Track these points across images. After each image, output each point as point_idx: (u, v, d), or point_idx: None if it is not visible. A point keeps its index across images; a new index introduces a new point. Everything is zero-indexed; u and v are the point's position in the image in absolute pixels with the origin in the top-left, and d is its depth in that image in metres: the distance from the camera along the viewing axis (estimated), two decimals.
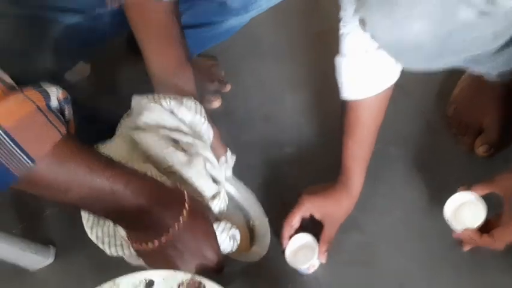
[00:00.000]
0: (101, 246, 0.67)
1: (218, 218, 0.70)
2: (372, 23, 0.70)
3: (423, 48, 0.69)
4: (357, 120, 0.87)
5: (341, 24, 0.83)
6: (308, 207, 0.91)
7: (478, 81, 0.96)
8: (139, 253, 0.65)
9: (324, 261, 0.91)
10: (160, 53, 0.83)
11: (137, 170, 0.63)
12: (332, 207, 0.91)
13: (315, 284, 0.92)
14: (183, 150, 0.70)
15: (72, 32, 0.88)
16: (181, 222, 0.61)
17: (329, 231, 0.91)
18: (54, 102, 0.56)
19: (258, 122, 1.11)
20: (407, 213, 0.95)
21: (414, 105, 1.07)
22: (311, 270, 0.92)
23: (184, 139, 0.71)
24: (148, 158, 0.69)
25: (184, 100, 0.76)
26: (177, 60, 0.84)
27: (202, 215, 0.66)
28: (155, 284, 0.53)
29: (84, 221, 0.69)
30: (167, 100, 0.74)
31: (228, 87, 1.17)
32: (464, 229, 0.79)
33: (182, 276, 0.53)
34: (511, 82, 0.94)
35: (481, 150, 0.97)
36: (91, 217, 0.68)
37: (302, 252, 0.89)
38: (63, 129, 0.54)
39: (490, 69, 0.89)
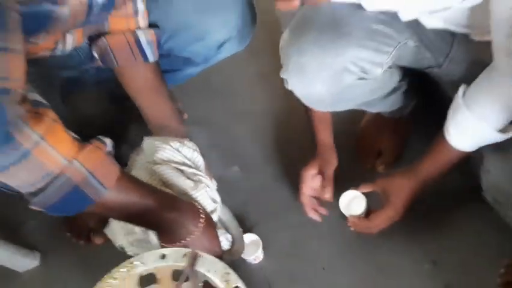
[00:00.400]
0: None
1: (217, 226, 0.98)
2: (291, 83, 1.02)
3: (324, 100, 1.03)
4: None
5: None
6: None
7: (376, 117, 1.31)
8: None
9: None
10: (153, 106, 1.09)
11: (167, 192, 0.91)
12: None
13: (260, 272, 1.20)
14: (188, 178, 0.98)
15: (69, 80, 1.14)
16: (201, 227, 0.88)
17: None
18: (109, 147, 0.82)
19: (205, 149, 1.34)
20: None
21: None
22: (257, 261, 1.20)
23: (189, 170, 0.99)
24: (164, 184, 0.96)
25: (185, 141, 1.03)
26: (168, 109, 1.10)
27: (211, 223, 0.93)
28: (167, 255, 0.79)
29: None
30: (174, 142, 1.01)
31: (186, 116, 1.39)
32: (350, 215, 1.14)
33: (186, 250, 0.79)
34: (399, 118, 1.29)
35: (380, 168, 1.30)
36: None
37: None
38: (119, 166, 0.81)
39: (382, 109, 1.24)
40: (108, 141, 0.82)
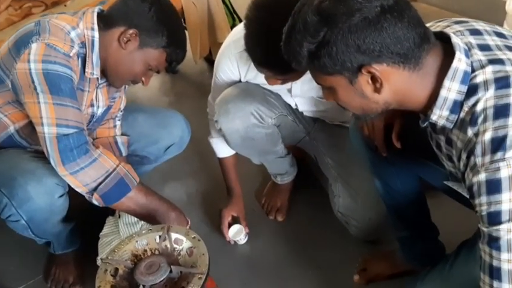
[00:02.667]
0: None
1: None
2: (220, 121, 1.58)
3: (240, 134, 1.59)
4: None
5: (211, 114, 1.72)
6: None
7: (273, 184, 1.94)
8: None
9: None
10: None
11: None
12: None
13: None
14: None
15: None
16: (189, 226, 1.40)
17: None
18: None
19: None
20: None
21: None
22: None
23: None
24: None
25: None
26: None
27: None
28: (152, 229, 1.21)
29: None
30: None
31: None
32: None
33: (163, 225, 1.27)
34: (291, 184, 1.93)
35: (278, 218, 1.89)
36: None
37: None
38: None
39: (276, 171, 1.88)
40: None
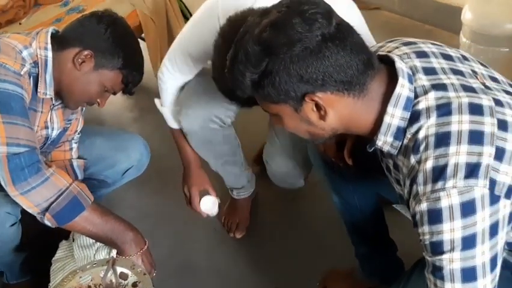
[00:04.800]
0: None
1: None
2: (183, 124, 1.60)
3: (198, 136, 1.62)
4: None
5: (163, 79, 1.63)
6: None
7: (232, 201, 1.93)
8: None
9: None
10: None
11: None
12: None
13: None
14: None
15: None
16: (146, 248, 1.37)
17: None
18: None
19: None
20: None
21: None
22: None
23: None
24: None
25: None
26: None
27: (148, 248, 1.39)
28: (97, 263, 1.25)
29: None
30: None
31: None
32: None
33: (108, 258, 1.27)
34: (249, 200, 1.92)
35: (236, 235, 1.88)
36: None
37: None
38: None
39: (234, 184, 1.87)
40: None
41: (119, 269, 1.20)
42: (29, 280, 1.65)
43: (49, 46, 1.37)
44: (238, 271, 1.76)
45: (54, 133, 1.53)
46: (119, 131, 1.84)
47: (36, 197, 1.24)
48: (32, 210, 1.26)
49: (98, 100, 1.46)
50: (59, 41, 1.40)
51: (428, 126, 0.89)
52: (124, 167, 1.75)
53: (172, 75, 1.62)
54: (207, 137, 1.63)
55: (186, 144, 1.70)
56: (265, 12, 0.95)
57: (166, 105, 1.69)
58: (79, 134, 1.68)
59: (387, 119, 0.93)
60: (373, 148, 1.00)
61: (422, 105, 0.91)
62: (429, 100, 0.91)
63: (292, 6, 0.91)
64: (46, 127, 1.49)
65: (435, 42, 1.06)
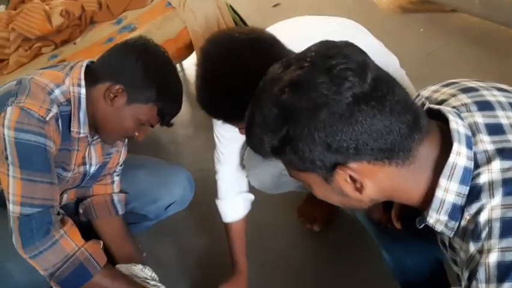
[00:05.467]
0: None
1: None
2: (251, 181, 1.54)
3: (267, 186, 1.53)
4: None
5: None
6: None
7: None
8: None
9: None
10: (121, 249, 1.55)
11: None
12: None
13: None
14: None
15: None
16: None
17: None
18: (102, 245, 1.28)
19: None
20: None
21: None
22: None
23: (151, 282, 1.42)
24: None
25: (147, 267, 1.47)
26: (132, 250, 1.57)
27: None
28: None
29: None
30: (138, 265, 1.46)
31: (144, 254, 1.72)
32: None
33: None
34: None
35: (316, 227, 1.79)
36: None
37: None
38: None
39: None
40: (102, 243, 1.29)
41: None
42: None
43: (82, 82, 1.31)
44: None
45: (93, 169, 1.48)
46: (164, 163, 1.75)
47: (44, 263, 1.20)
48: (43, 273, 1.22)
49: (136, 134, 1.38)
50: (92, 75, 1.33)
51: (491, 208, 0.72)
52: (166, 202, 1.68)
53: (223, 152, 1.52)
54: (280, 186, 1.58)
55: (239, 243, 1.60)
56: (287, 64, 0.79)
57: (221, 197, 1.58)
58: (121, 166, 1.61)
59: (439, 193, 0.76)
60: (423, 225, 0.82)
61: (483, 179, 0.74)
62: (493, 172, 0.73)
63: (318, 60, 0.75)
64: (84, 163, 1.44)
65: (503, 87, 0.86)
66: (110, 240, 1.56)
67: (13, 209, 1.18)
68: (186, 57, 2.41)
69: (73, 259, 1.21)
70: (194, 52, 2.24)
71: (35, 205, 1.18)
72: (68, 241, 1.22)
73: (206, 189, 1.69)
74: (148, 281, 1.43)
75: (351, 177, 0.77)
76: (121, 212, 1.60)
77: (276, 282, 1.71)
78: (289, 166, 0.83)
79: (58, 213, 1.25)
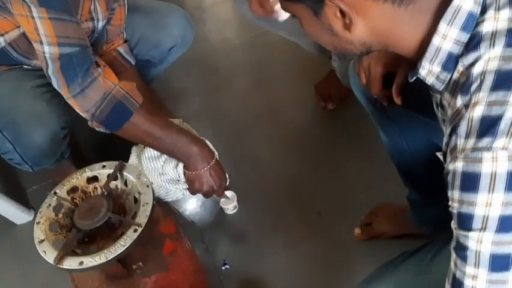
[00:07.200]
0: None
1: None
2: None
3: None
4: None
5: None
6: None
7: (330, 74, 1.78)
8: (189, 178, 1.23)
9: None
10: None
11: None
12: None
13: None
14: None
15: None
16: (214, 161, 1.22)
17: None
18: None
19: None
20: None
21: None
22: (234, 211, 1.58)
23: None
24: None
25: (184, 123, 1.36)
26: (160, 100, 1.51)
27: (218, 161, 1.24)
28: (106, 166, 1.10)
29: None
30: (176, 120, 1.35)
31: None
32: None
33: (116, 162, 1.09)
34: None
35: (330, 106, 1.79)
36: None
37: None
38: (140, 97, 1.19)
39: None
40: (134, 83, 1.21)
41: (126, 175, 1.10)
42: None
43: None
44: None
45: (100, 24, 1.39)
46: (159, 3, 1.62)
47: (85, 102, 1.14)
48: (85, 115, 1.17)
49: None
50: None
51: (488, 59, 0.62)
52: (167, 46, 1.58)
53: None
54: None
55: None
56: None
57: None
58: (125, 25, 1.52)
59: (436, 40, 0.67)
60: (414, 78, 0.72)
61: (487, 27, 0.63)
62: (500, 21, 0.62)
63: None
64: (92, 18, 1.34)
65: None
66: None
67: (50, 50, 1.09)
68: None
69: (110, 96, 1.15)
70: None
71: (73, 44, 1.11)
72: (105, 80, 1.16)
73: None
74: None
75: (341, 11, 0.68)
76: (132, 61, 1.53)
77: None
78: None
79: None
